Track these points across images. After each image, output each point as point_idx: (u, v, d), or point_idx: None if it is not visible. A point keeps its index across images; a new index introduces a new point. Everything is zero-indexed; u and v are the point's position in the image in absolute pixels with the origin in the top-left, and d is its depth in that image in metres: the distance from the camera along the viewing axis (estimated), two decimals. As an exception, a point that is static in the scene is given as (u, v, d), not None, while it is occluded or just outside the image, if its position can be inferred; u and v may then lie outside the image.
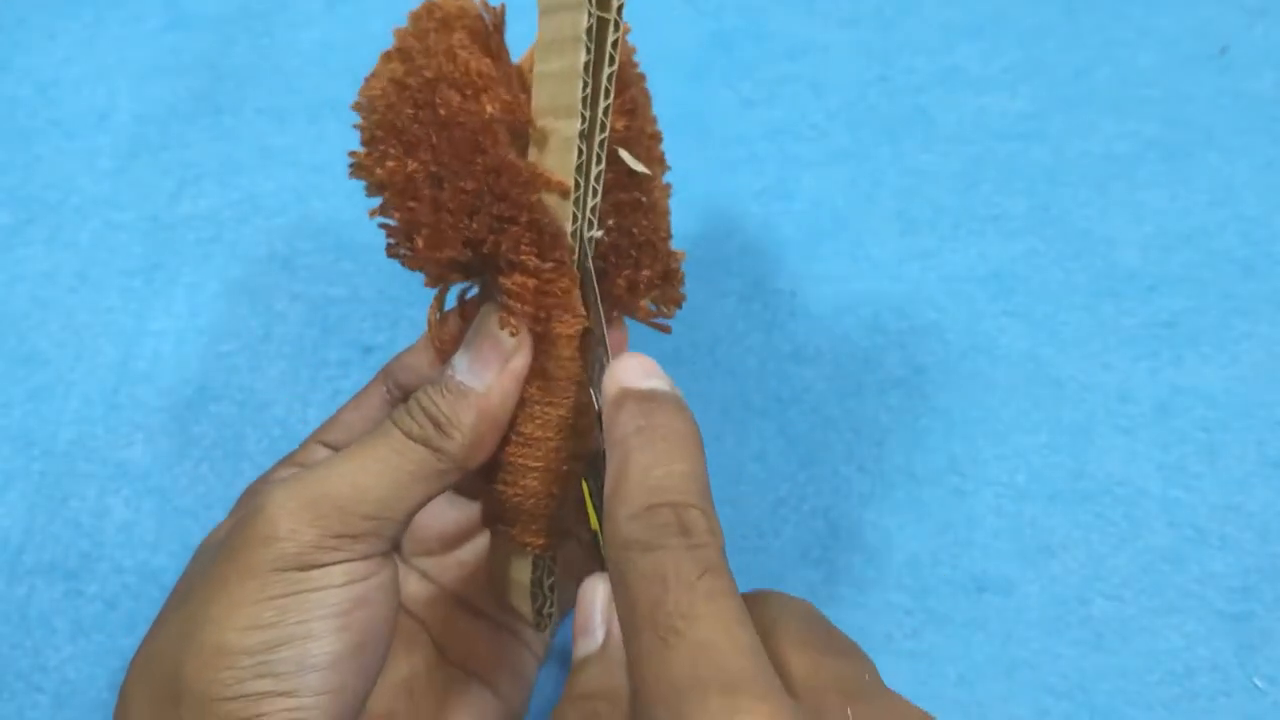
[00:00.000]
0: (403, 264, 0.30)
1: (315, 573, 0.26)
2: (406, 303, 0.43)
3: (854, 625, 0.38)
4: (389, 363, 0.34)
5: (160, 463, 0.40)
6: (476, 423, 0.28)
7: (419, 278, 0.41)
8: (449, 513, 0.35)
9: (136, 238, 0.44)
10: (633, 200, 0.30)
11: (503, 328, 0.28)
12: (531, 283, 0.28)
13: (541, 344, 0.29)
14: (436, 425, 0.28)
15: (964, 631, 0.37)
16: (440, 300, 0.32)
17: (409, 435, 0.28)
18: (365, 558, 0.27)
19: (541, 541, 0.30)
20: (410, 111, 0.29)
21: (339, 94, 0.47)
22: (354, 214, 0.44)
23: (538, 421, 0.29)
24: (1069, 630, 0.37)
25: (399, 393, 0.33)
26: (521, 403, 0.29)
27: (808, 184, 0.45)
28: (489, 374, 0.29)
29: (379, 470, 0.27)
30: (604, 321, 0.29)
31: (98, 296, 0.43)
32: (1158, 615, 0.37)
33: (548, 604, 0.32)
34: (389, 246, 0.30)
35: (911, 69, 0.48)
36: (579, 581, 0.32)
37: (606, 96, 0.27)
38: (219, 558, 0.27)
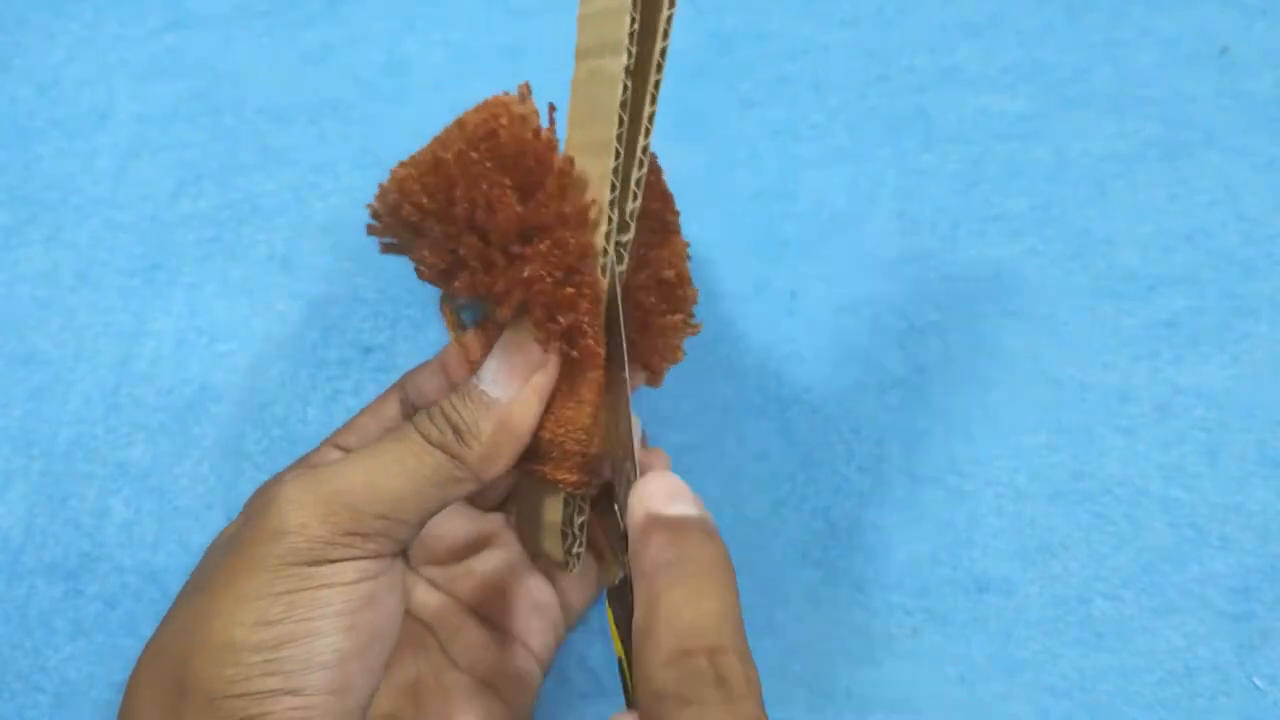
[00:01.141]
0: (424, 280, 0.30)
1: (325, 569, 0.26)
2: (406, 303, 0.43)
3: (854, 625, 0.38)
4: (404, 375, 0.34)
5: (160, 463, 0.40)
6: (496, 433, 0.28)
7: (418, 278, 0.41)
8: (458, 523, 0.35)
9: (136, 238, 0.44)
10: (661, 244, 0.31)
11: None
12: (560, 296, 0.28)
13: (567, 366, 0.29)
14: (456, 432, 0.28)
15: (964, 631, 0.37)
16: (452, 311, 0.32)
17: (428, 439, 0.28)
18: (375, 557, 0.27)
19: (575, 478, 0.30)
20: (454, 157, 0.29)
21: (339, 94, 0.47)
22: (354, 214, 0.44)
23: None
24: (1069, 630, 0.37)
25: (412, 407, 0.33)
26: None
27: (808, 184, 0.45)
28: (513, 385, 0.28)
29: (394, 471, 0.27)
30: (631, 412, 0.29)
31: (97, 296, 0.43)
32: (1158, 615, 0.37)
33: (576, 543, 0.31)
34: (420, 271, 0.30)
35: (911, 69, 0.48)
36: (601, 579, 0.32)
37: (648, 130, 0.28)
38: (228, 551, 0.27)
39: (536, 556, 0.33)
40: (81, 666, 0.36)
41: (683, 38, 0.49)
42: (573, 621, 0.35)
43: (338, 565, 0.26)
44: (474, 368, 0.31)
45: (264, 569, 0.26)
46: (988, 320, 0.42)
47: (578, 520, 0.31)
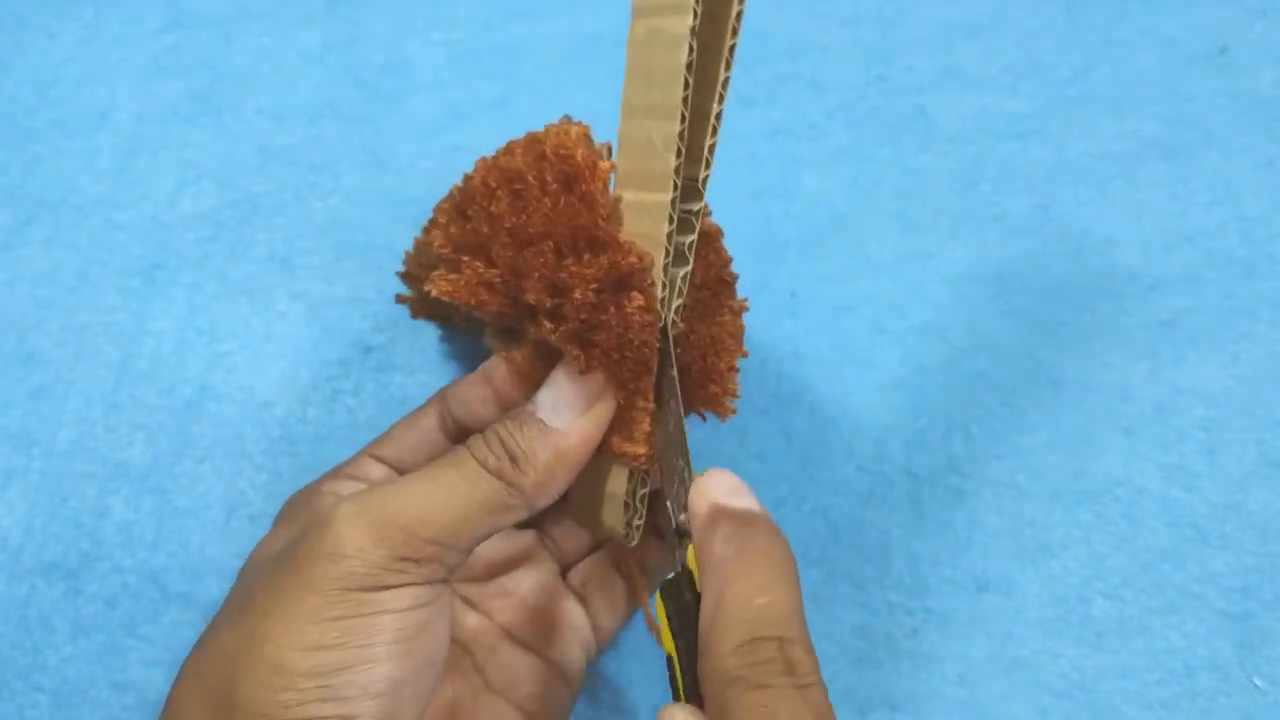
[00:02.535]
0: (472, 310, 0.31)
1: (382, 595, 0.26)
2: (406, 302, 0.43)
3: (854, 625, 0.38)
4: (444, 388, 0.33)
5: (160, 462, 0.40)
6: (553, 462, 0.28)
7: (419, 277, 0.40)
8: (493, 540, 0.34)
9: (136, 237, 0.44)
10: (716, 307, 0.31)
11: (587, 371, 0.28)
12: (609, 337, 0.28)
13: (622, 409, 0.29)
14: (513, 459, 0.28)
15: (964, 631, 0.37)
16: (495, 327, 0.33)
17: (484, 465, 0.28)
18: (428, 583, 0.27)
19: (643, 451, 0.30)
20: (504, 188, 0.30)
21: (338, 95, 0.47)
22: (353, 214, 0.45)
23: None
24: (1069, 630, 0.37)
25: (451, 421, 0.33)
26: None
27: (807, 184, 0.45)
28: (571, 415, 0.28)
29: (448, 497, 0.27)
30: (681, 409, 0.29)
31: (97, 296, 0.43)
32: (1157, 615, 0.37)
33: (638, 515, 0.31)
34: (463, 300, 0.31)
35: (911, 69, 0.48)
36: (638, 576, 0.32)
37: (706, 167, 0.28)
38: (281, 569, 0.26)
39: (595, 530, 0.32)
40: (81, 666, 0.36)
41: (682, 38, 0.49)
42: (604, 644, 0.35)
43: (394, 591, 0.26)
44: (524, 384, 0.31)
45: (318, 592, 0.25)
46: (987, 320, 0.42)
47: (640, 493, 0.31)
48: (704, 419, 0.33)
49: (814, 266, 0.44)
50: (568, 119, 0.31)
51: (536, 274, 0.29)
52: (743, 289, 0.44)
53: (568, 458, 0.28)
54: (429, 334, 0.42)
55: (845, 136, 0.46)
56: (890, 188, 0.45)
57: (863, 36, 0.49)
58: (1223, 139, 0.46)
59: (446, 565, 0.27)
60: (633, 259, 0.28)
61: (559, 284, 0.28)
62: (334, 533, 0.26)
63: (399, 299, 0.39)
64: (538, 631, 0.33)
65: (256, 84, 0.47)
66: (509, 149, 0.31)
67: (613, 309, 0.28)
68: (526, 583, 0.34)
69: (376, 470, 0.32)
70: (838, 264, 0.44)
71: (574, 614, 0.34)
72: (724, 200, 0.45)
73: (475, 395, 0.32)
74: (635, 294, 0.28)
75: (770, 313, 0.43)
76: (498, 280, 0.30)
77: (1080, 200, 0.45)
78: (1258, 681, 0.36)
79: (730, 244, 0.44)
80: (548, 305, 0.29)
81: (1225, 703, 0.36)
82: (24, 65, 0.48)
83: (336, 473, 0.32)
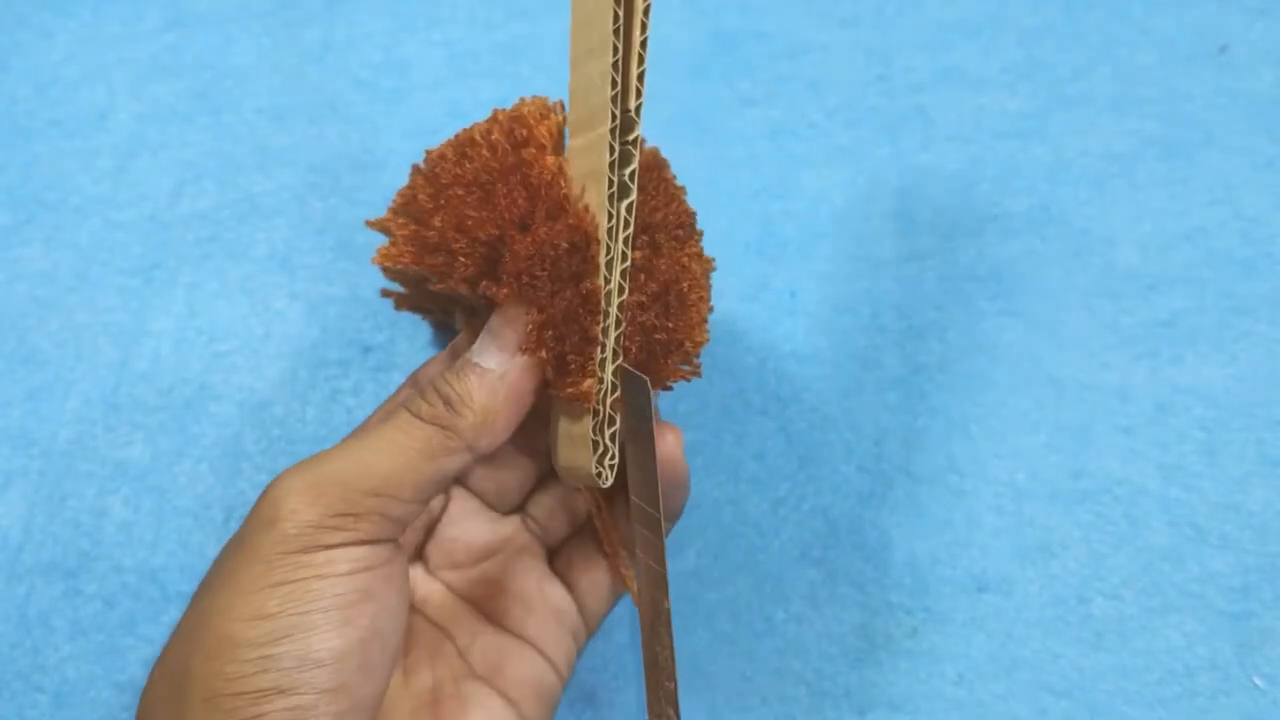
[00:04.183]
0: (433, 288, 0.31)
1: (318, 557, 0.26)
2: (406, 302, 0.43)
3: (854, 625, 0.38)
4: (415, 371, 0.34)
5: (159, 462, 0.40)
6: (488, 402, 0.28)
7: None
8: (476, 526, 0.34)
9: (136, 237, 0.44)
10: (657, 302, 0.30)
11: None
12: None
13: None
14: (448, 403, 0.28)
15: (964, 631, 0.37)
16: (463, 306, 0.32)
17: (418, 415, 0.28)
18: (370, 542, 0.27)
19: (587, 387, 0.29)
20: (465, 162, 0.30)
21: (338, 94, 0.47)
22: (352, 214, 0.44)
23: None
24: (1068, 629, 0.37)
25: None
26: None
27: (807, 183, 0.45)
28: (505, 355, 0.29)
29: (383, 448, 0.27)
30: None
31: (97, 296, 0.43)
32: (1157, 614, 0.37)
33: (609, 455, 0.30)
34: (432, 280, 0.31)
35: (911, 68, 0.48)
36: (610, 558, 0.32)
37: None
38: (230, 546, 0.27)
39: (574, 478, 0.32)
40: (81, 666, 0.36)
41: (682, 37, 0.49)
42: (592, 628, 0.35)
43: (331, 553, 0.26)
44: None
45: (259, 560, 0.25)
46: (987, 319, 0.42)
47: (608, 431, 0.30)
48: (669, 388, 0.32)
49: (814, 266, 0.44)
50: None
51: (470, 219, 0.29)
52: (743, 289, 0.44)
53: (503, 396, 0.28)
54: (428, 333, 0.42)
55: (845, 136, 0.46)
56: (890, 187, 0.45)
57: (862, 36, 0.49)
58: (1222, 139, 0.46)
59: (390, 519, 0.27)
60: (571, 221, 0.28)
61: (497, 234, 0.29)
62: (270, 499, 0.26)
63: (384, 293, 0.39)
64: (521, 614, 0.33)
65: (256, 83, 0.47)
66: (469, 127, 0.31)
67: (552, 274, 0.28)
68: (510, 567, 0.34)
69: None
70: (838, 264, 0.44)
71: (559, 598, 0.34)
72: (724, 200, 0.45)
73: (442, 370, 0.32)
74: (582, 265, 0.28)
75: (770, 313, 0.43)
76: (434, 236, 0.30)
77: (1080, 199, 0.45)
78: (1257, 681, 0.36)
79: (730, 244, 0.44)
80: (481, 251, 0.29)
81: (1225, 702, 0.36)
82: (23, 65, 0.48)
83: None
